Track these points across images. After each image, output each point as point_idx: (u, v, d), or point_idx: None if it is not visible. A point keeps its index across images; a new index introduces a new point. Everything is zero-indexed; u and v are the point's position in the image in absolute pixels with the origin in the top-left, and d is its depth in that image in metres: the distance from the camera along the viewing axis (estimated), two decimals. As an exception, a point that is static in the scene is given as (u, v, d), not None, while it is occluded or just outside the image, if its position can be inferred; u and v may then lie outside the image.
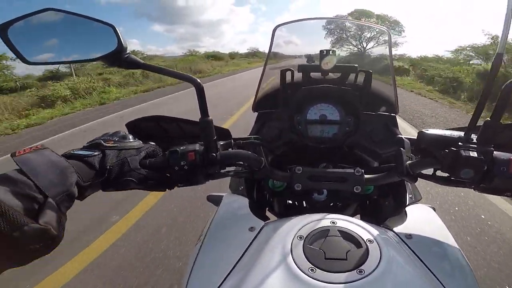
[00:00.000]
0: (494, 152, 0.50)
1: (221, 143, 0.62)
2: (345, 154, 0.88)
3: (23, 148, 0.40)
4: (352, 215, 0.88)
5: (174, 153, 0.54)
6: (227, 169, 0.62)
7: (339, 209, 0.83)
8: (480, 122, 0.50)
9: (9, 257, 0.32)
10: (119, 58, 0.48)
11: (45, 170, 0.37)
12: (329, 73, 0.89)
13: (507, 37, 0.45)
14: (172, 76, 0.53)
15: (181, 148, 0.55)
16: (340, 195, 0.79)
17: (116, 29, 0.47)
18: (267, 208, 0.91)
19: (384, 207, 0.81)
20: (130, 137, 0.56)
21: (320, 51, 0.87)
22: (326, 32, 1.22)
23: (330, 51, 0.85)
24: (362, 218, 0.85)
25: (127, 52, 0.48)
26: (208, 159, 0.55)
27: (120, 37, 0.46)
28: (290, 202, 0.89)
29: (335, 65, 0.85)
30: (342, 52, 1.08)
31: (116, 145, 0.51)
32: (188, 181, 0.56)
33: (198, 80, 0.52)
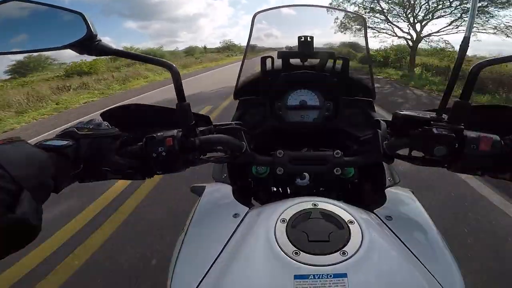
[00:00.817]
0: (465, 130, 0.51)
1: (201, 129, 0.61)
2: (326, 138, 0.90)
3: None
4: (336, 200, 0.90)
5: (151, 140, 0.53)
6: (208, 155, 0.62)
7: (322, 194, 0.84)
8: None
9: None
10: (89, 45, 0.47)
11: (20, 161, 0.36)
12: (308, 60, 0.90)
13: (474, 21, 0.46)
14: (146, 61, 0.52)
15: (158, 134, 0.54)
16: (323, 180, 0.81)
17: (85, 16, 0.45)
18: (252, 197, 0.92)
19: (365, 190, 0.83)
20: (106, 124, 0.54)
21: (299, 37, 0.87)
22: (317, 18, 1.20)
23: (308, 37, 0.86)
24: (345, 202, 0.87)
25: (98, 39, 0.47)
26: (187, 145, 0.55)
27: (90, 24, 0.45)
28: (275, 189, 0.90)
29: (313, 51, 0.86)
30: (322, 38, 1.08)
31: (90, 132, 0.49)
32: (167, 168, 0.55)
33: (174, 65, 0.52)
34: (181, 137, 0.55)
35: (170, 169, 0.56)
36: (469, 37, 0.46)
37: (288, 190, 0.85)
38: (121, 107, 0.67)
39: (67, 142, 0.45)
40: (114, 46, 0.49)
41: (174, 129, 0.56)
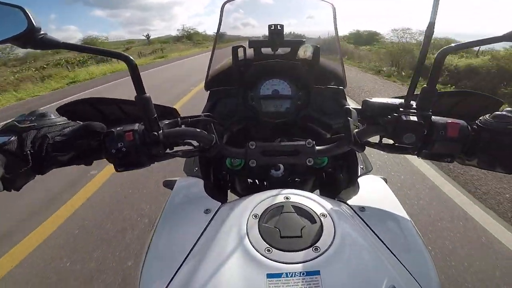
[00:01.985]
0: (433, 117, 0.52)
1: (166, 122, 0.59)
2: (299, 128, 0.90)
3: None
4: (312, 190, 0.90)
5: (110, 135, 0.51)
6: (176, 149, 0.60)
7: (297, 185, 0.85)
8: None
9: None
10: (32, 38, 0.43)
11: None
12: (279, 48, 0.88)
13: (438, 6, 0.45)
14: (99, 53, 0.49)
15: (118, 129, 0.52)
16: (297, 170, 0.80)
17: (26, 10, 0.42)
18: (229, 190, 0.91)
19: (338, 180, 0.83)
20: (52, 114, 0.51)
21: (269, 26, 0.85)
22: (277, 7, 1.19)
23: (278, 26, 0.84)
24: (320, 192, 0.87)
25: (42, 32, 0.44)
26: (149, 139, 0.52)
27: (31, 17, 0.42)
28: (251, 181, 0.89)
29: (283, 40, 0.84)
30: (293, 27, 1.07)
31: (33, 124, 0.46)
32: (129, 164, 0.53)
33: (130, 57, 0.49)
34: (143, 131, 0.52)
35: (132, 165, 0.53)
36: (434, 23, 0.46)
37: (265, 182, 0.85)
38: (79, 101, 0.63)
39: (8, 137, 0.43)
40: (80, 35, 0.45)
41: (136, 123, 0.54)
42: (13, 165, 0.41)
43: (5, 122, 0.47)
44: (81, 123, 0.52)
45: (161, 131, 0.54)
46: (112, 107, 0.65)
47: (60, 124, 0.50)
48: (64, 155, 0.48)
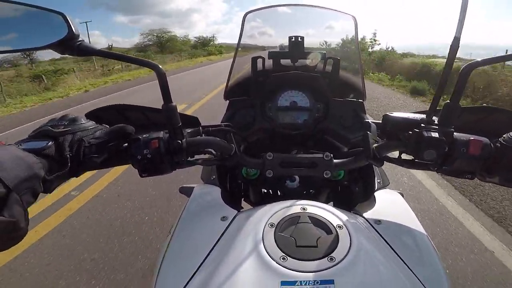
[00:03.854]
0: (455, 133, 0.51)
1: (189, 131, 0.60)
2: (316, 140, 0.90)
3: None
4: (326, 202, 0.89)
5: (136, 142, 0.52)
6: (196, 157, 0.61)
7: (312, 196, 0.84)
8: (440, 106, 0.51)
9: None
10: (70, 45, 0.45)
11: (9, 164, 0.36)
12: (299, 60, 0.89)
13: (464, 21, 0.44)
14: (132, 62, 0.51)
15: (144, 136, 0.53)
16: (312, 182, 0.80)
17: (66, 16, 0.44)
18: (243, 199, 0.92)
19: (354, 193, 0.83)
20: (82, 119, 0.52)
21: (289, 37, 0.87)
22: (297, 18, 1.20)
23: (299, 37, 0.85)
24: (334, 205, 0.87)
25: (79, 39, 0.46)
26: (173, 147, 0.53)
27: (71, 24, 0.44)
28: (265, 190, 0.90)
29: (303, 52, 0.85)
30: (313, 38, 1.08)
31: (68, 129, 0.48)
32: (152, 170, 0.54)
33: (160, 66, 0.50)
34: (167, 139, 0.53)
35: (155, 172, 0.54)
36: (460, 38, 0.45)
37: (278, 192, 0.85)
38: (108, 107, 0.66)
39: (45, 142, 0.44)
40: (104, 39, 0.48)
41: (161, 131, 0.55)
42: (52, 168, 0.43)
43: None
44: (108, 127, 0.54)
45: (185, 139, 0.55)
46: (138, 114, 0.67)
47: (91, 128, 0.51)
48: (98, 158, 0.49)
